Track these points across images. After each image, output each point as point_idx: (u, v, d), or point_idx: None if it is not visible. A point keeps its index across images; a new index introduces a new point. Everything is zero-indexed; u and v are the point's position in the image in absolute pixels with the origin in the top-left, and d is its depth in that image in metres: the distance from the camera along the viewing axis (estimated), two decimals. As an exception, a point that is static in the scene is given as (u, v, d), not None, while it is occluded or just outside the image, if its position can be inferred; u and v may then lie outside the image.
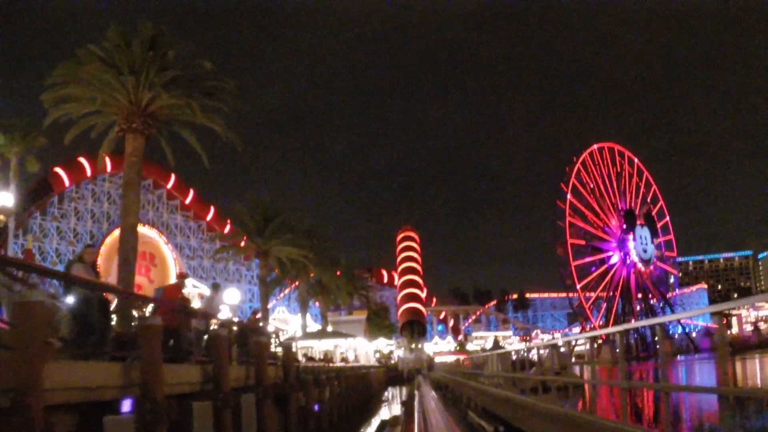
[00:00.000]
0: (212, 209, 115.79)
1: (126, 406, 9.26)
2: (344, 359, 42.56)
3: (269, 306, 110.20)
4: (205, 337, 15.85)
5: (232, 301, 25.54)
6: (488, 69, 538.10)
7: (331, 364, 32.44)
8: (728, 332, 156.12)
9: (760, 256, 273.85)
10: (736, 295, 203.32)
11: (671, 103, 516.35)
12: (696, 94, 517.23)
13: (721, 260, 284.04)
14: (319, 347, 51.64)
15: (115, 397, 9.11)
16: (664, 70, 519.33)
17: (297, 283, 59.79)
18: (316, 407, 24.52)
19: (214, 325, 16.03)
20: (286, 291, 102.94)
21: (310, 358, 33.92)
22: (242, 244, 46.16)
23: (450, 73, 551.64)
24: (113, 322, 14.28)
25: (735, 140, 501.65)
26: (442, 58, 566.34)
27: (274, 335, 21.25)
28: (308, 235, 49.36)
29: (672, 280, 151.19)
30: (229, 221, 69.26)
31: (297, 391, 19.45)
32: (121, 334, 12.76)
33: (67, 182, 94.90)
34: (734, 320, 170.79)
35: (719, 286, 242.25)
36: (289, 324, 71.76)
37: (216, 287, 18.09)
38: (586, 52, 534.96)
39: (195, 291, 70.05)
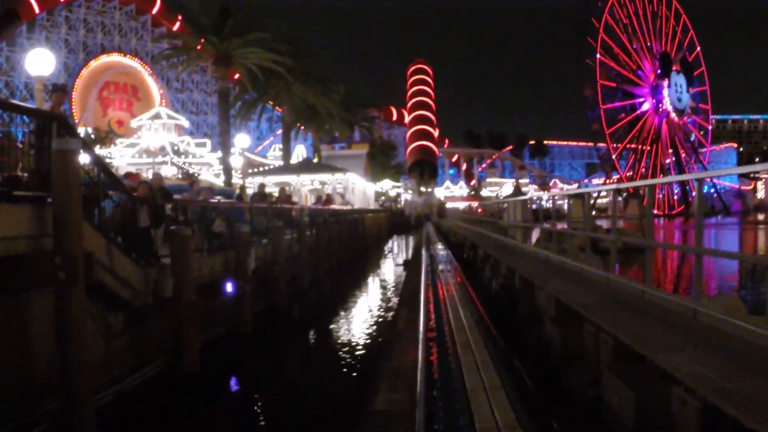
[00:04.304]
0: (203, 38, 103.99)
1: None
2: (327, 199, 32.83)
3: (266, 143, 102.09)
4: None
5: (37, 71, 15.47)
6: None
7: (287, 205, 23.00)
8: (756, 197, 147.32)
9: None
10: (757, 159, 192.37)
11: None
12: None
13: (745, 122, 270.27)
14: (300, 184, 41.59)
15: None
16: None
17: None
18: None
19: None
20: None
21: (262, 196, 23.76)
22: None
23: None
24: None
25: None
26: None
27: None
28: (290, 43, 38.56)
29: (696, 136, 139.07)
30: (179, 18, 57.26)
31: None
32: None
33: (37, 9, 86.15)
34: (760, 185, 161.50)
35: (741, 148, 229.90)
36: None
37: None
38: None
39: (171, 123, 60.77)
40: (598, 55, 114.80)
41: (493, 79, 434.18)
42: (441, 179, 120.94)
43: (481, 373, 7.87)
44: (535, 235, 20.92)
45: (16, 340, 7.51)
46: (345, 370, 12.01)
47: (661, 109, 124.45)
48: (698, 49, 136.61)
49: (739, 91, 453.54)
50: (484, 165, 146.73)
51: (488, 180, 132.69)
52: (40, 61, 15.15)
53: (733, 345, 5.57)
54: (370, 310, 19.13)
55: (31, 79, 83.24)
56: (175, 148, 56.53)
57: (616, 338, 6.16)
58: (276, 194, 26.59)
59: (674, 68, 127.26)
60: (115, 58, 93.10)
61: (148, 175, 29.74)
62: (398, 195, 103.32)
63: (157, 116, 60.36)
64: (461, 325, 11.01)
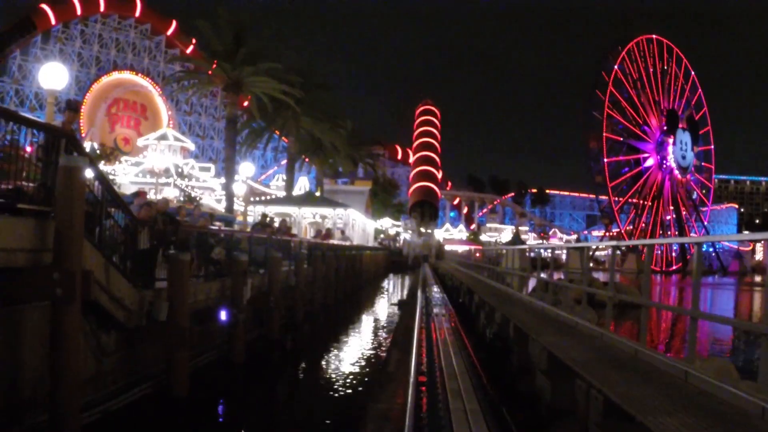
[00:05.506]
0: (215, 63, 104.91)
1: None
2: (326, 234, 32.74)
3: (270, 173, 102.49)
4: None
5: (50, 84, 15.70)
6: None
7: (287, 236, 23.01)
8: (754, 258, 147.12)
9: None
10: (757, 221, 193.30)
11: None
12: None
13: (748, 183, 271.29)
14: (301, 217, 41.77)
15: None
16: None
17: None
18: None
19: None
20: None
21: (264, 226, 23.62)
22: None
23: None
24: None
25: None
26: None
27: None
28: (301, 75, 39.15)
29: (698, 194, 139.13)
30: (193, 41, 58.34)
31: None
32: None
33: (53, 20, 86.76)
34: (759, 246, 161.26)
35: (742, 209, 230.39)
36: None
37: None
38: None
39: (177, 145, 61.07)
40: (605, 108, 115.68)
41: (499, 124, 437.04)
42: (441, 221, 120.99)
43: (470, 422, 7.83)
44: (531, 283, 20.88)
45: (6, 352, 7.48)
46: (333, 406, 11.93)
47: (665, 166, 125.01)
48: (705, 108, 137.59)
49: (743, 152, 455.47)
50: (485, 210, 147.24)
51: (488, 225, 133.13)
52: (53, 75, 15.27)
53: (723, 409, 5.55)
54: (362, 348, 19.04)
55: (41, 89, 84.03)
56: (179, 170, 56.79)
57: (606, 396, 6.14)
58: (276, 224, 26.65)
59: (680, 126, 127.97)
60: (126, 75, 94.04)
61: (151, 196, 29.84)
62: (397, 234, 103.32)
63: (163, 137, 60.74)
64: (453, 372, 10.94)
